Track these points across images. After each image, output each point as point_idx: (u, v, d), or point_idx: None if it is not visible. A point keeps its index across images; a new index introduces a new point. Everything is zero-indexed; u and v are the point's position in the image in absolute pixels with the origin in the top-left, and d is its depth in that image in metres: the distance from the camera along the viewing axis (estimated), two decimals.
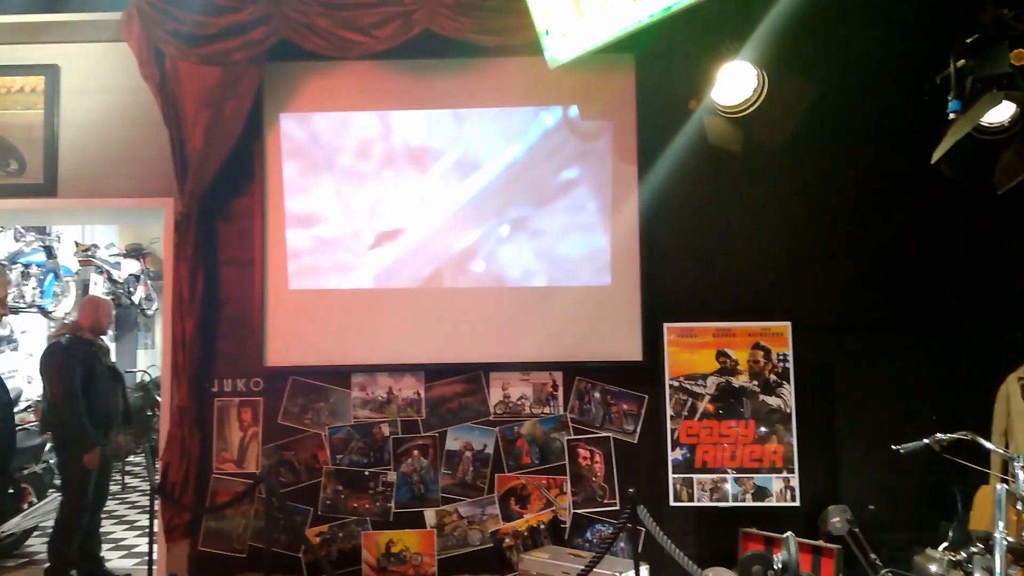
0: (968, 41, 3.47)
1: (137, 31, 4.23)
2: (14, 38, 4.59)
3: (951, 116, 3.49)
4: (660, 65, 4.36)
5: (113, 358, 5.11)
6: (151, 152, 4.52)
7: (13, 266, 7.71)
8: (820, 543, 3.94)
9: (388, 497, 4.42)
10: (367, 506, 4.42)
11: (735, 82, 3.94)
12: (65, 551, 4.53)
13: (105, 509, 5.17)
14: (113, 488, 7.14)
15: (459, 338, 4.45)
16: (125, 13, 4.25)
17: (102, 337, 4.99)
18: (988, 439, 3.20)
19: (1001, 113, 3.62)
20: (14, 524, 5.45)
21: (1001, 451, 3.23)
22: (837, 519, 3.97)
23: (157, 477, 4.44)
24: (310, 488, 4.43)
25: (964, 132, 3.39)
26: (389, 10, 4.10)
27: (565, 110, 4.46)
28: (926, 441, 3.12)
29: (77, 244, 9.08)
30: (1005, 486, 2.81)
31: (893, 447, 3.22)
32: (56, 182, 4.59)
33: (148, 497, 5.05)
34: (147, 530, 5.17)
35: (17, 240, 8.01)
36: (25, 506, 5.57)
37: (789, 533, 3.59)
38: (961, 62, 3.51)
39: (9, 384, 7.99)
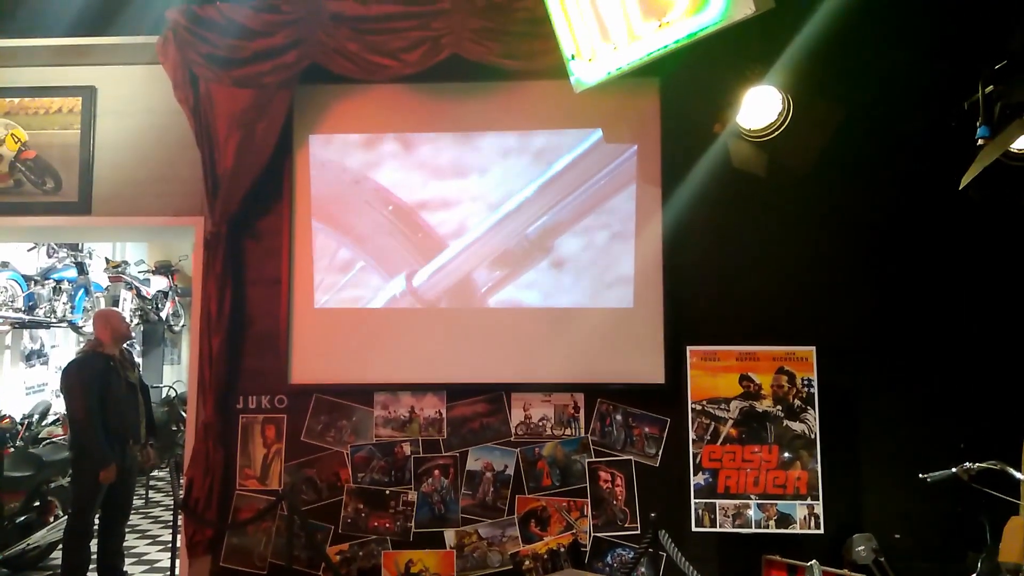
0: (996, 68, 3.46)
1: (173, 54, 4.34)
2: (54, 60, 4.72)
3: (980, 142, 3.48)
4: (685, 89, 4.38)
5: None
6: (183, 172, 4.62)
7: (46, 281, 7.88)
8: (844, 572, 3.86)
9: (408, 516, 4.42)
10: (387, 525, 4.42)
11: (760, 106, 3.96)
12: (76, 561, 4.64)
13: (128, 524, 5.24)
14: (137, 502, 7.23)
15: (482, 358, 4.47)
16: (161, 37, 4.37)
17: (128, 351, 5.10)
18: (1018, 468, 3.15)
19: None
20: (39, 537, 5.54)
21: None
22: (862, 548, 3.91)
23: (181, 492, 4.49)
24: (331, 506, 4.45)
25: (993, 158, 3.38)
26: (417, 35, 4.18)
27: (590, 134, 4.48)
28: (954, 470, 3.08)
29: (108, 261, 9.29)
30: None
31: (920, 475, 3.18)
32: (90, 200, 4.69)
33: (172, 512, 5.11)
34: (170, 545, 5.22)
35: (50, 256, 8.20)
36: (51, 519, 5.66)
37: (813, 561, 3.54)
38: (989, 88, 3.50)
39: (38, 398, 8.22)
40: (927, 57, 4.18)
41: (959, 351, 4.24)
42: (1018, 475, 3.04)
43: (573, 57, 3.80)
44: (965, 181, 3.48)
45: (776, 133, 3.99)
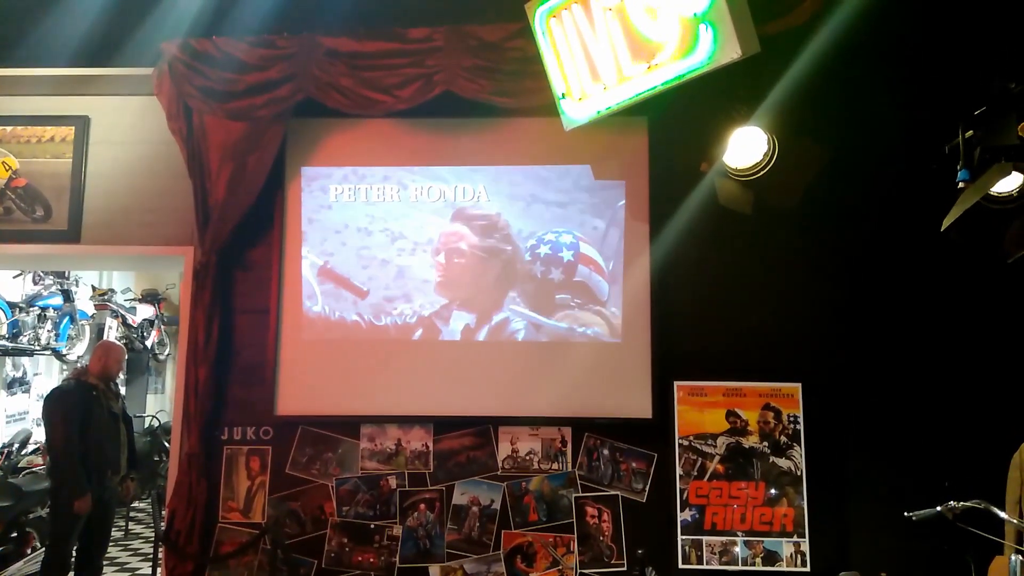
0: (976, 113, 3.55)
1: (168, 87, 4.39)
2: (48, 90, 4.75)
3: (960, 185, 3.55)
4: (673, 128, 4.46)
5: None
6: (173, 202, 4.64)
7: (31, 309, 7.81)
8: None
9: (393, 551, 4.38)
10: (371, 560, 4.37)
11: (746, 146, 4.03)
12: None
13: (107, 556, 5.15)
14: (116, 534, 7.10)
15: (469, 391, 4.47)
16: (157, 69, 4.42)
17: (113, 383, 5.06)
18: (1002, 507, 3.16)
19: (1010, 183, 3.67)
20: (16, 569, 5.42)
21: (1015, 521, 3.18)
22: None
23: (162, 524, 4.42)
24: (315, 540, 4.40)
25: (973, 201, 3.44)
26: (411, 71, 4.24)
27: (579, 170, 4.54)
28: (939, 508, 3.08)
29: (94, 288, 9.23)
30: (1020, 557, 2.77)
31: (905, 514, 3.18)
32: (80, 229, 4.69)
33: (152, 544, 5.03)
34: None
35: (36, 283, 8.14)
36: (29, 551, 5.55)
37: None
38: (969, 133, 3.58)
39: (19, 426, 8.10)
40: (909, 101, 4.28)
41: (944, 389, 4.28)
42: (1002, 514, 3.04)
43: (563, 96, 3.88)
44: (946, 223, 3.54)
45: (762, 173, 4.06)
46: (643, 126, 4.52)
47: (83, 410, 4.66)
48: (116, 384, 5.15)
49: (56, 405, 4.69)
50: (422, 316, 4.51)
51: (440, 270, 4.54)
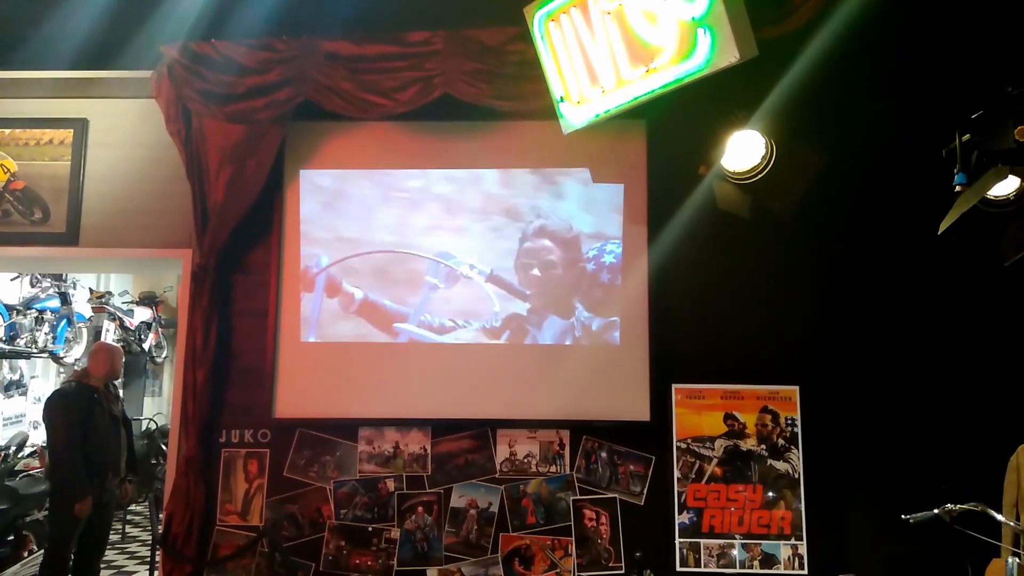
0: (973, 116, 3.56)
1: (167, 89, 4.39)
2: (47, 92, 4.76)
3: (957, 189, 3.56)
4: (671, 131, 4.47)
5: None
6: (172, 205, 4.64)
7: (28, 311, 7.80)
8: None
9: (391, 554, 4.37)
10: (369, 563, 4.37)
11: (744, 150, 4.04)
12: None
13: (104, 559, 5.14)
14: (113, 538, 7.08)
15: (467, 394, 4.47)
16: (155, 72, 4.42)
17: (113, 385, 5.06)
18: (999, 510, 3.17)
19: (1007, 187, 3.68)
20: (13, 572, 5.41)
21: (1012, 523, 3.20)
22: None
23: (160, 527, 4.42)
24: (313, 543, 4.39)
25: (970, 205, 3.45)
26: (410, 75, 4.24)
27: (578, 173, 4.55)
28: (936, 511, 3.09)
29: (92, 291, 9.21)
30: (1017, 559, 2.78)
31: (903, 516, 3.19)
32: (78, 232, 4.69)
33: (149, 548, 5.02)
34: None
35: (33, 286, 8.13)
36: (25, 554, 5.53)
37: None
38: (966, 136, 3.60)
39: (15, 429, 8.08)
40: (906, 105, 4.29)
41: (941, 392, 4.29)
42: (999, 517, 3.05)
43: (562, 99, 3.88)
44: (943, 227, 3.55)
45: (759, 176, 4.07)
46: (641, 129, 4.53)
47: (84, 412, 4.65)
48: (116, 387, 5.15)
49: (57, 407, 4.68)
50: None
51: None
